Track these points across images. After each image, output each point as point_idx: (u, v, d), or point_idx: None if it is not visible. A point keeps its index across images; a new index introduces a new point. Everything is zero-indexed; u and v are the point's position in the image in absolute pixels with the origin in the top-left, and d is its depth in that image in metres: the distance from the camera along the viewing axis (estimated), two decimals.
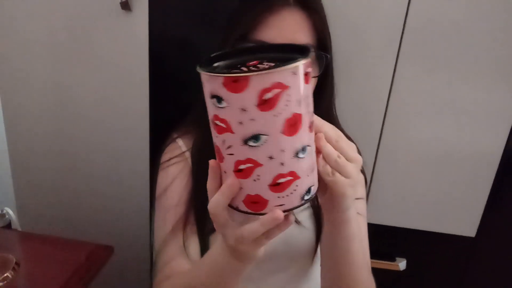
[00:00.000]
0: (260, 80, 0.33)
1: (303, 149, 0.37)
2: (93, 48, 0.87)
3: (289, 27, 0.59)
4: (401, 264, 1.01)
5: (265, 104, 0.34)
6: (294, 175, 0.37)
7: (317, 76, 0.63)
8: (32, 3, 0.85)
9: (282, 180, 0.37)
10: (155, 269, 0.66)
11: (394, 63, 0.84)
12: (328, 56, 0.64)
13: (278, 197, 0.38)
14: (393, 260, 1.01)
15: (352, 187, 0.45)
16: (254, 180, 0.38)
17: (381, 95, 0.87)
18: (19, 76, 0.92)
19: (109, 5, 0.82)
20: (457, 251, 1.01)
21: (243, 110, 0.35)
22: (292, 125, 0.36)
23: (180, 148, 0.71)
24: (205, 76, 0.36)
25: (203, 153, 0.42)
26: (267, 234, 0.42)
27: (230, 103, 0.35)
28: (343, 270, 0.57)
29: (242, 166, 0.37)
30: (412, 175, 0.93)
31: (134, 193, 0.98)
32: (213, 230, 0.65)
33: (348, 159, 0.44)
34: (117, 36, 0.85)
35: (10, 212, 1.00)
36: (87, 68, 0.89)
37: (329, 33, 0.66)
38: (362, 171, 0.74)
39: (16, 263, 0.69)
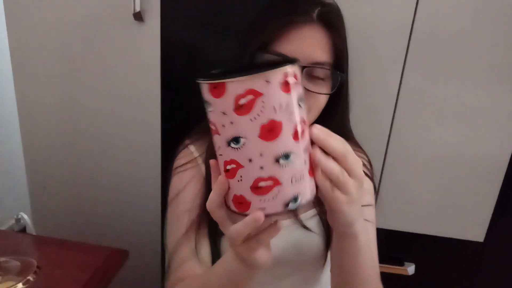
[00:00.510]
0: (235, 87, 0.36)
1: (286, 156, 0.38)
2: (106, 58, 0.89)
3: (308, 43, 0.60)
4: (410, 269, 1.01)
5: (241, 109, 0.37)
6: (275, 181, 0.38)
7: (329, 94, 0.63)
8: (45, 15, 0.87)
9: (262, 183, 0.39)
10: (168, 272, 0.67)
11: (401, 68, 0.85)
12: (343, 75, 0.63)
13: (260, 200, 0.39)
14: (402, 264, 1.01)
15: (349, 204, 0.44)
16: (238, 181, 0.40)
17: (389, 101, 0.88)
18: (34, 87, 0.94)
19: (122, 16, 0.84)
20: (465, 256, 1.01)
21: (224, 113, 0.38)
22: (269, 130, 0.37)
23: (192, 154, 0.72)
24: (199, 84, 0.39)
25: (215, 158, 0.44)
26: (257, 238, 0.43)
27: (214, 107, 0.38)
28: (351, 280, 0.58)
29: (228, 167, 0.40)
30: (420, 180, 0.93)
31: (146, 199, 0.99)
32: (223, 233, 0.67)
33: (351, 175, 0.43)
34: (130, 46, 0.87)
35: (26, 217, 1.03)
36: (100, 78, 0.91)
37: (347, 53, 0.66)
38: (371, 178, 0.75)
39: (37, 266, 0.70)
